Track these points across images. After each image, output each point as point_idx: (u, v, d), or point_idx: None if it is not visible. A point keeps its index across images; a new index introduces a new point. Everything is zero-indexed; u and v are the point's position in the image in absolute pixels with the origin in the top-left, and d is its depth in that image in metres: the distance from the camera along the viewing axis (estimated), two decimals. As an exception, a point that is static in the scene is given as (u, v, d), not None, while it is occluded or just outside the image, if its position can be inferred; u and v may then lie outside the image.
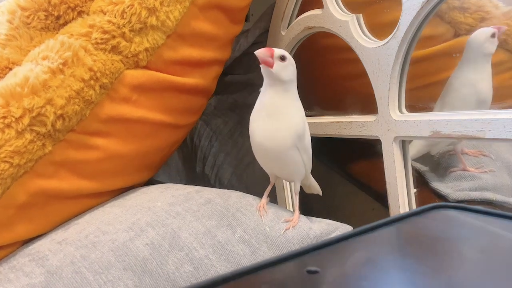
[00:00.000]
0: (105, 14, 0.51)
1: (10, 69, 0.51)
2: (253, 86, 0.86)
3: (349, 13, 0.59)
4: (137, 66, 0.53)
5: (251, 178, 0.85)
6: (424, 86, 0.65)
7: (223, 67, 0.64)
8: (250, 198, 0.55)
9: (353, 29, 0.57)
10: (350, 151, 0.76)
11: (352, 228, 0.54)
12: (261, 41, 0.76)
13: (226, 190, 0.57)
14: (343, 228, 0.54)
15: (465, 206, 0.42)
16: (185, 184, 0.63)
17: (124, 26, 0.51)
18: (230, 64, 0.80)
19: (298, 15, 0.67)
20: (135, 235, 0.48)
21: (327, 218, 0.55)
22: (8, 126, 0.45)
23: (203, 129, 0.89)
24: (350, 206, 0.78)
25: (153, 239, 0.47)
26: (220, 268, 0.47)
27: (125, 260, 0.45)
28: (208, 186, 0.59)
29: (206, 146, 0.89)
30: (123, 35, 0.51)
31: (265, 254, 0.49)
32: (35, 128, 0.46)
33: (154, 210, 0.51)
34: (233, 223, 0.51)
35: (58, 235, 0.49)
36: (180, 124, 0.59)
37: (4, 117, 0.45)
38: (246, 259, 0.49)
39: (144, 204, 0.53)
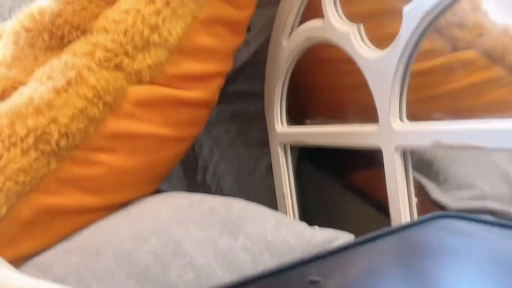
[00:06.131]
0: (108, 32, 0.52)
1: (16, 89, 0.52)
2: (254, 95, 0.86)
3: (350, 23, 0.60)
4: (140, 82, 0.53)
5: (252, 187, 0.85)
6: (423, 99, 0.65)
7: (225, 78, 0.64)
8: (252, 206, 0.56)
9: (353, 40, 0.58)
10: (351, 160, 0.76)
11: (353, 237, 0.54)
12: (263, 51, 0.76)
13: (228, 198, 0.58)
14: (345, 237, 0.54)
15: (467, 215, 0.42)
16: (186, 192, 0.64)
17: (127, 44, 0.52)
18: (231, 74, 0.80)
19: (299, 25, 0.67)
20: (138, 244, 0.48)
21: (328, 227, 0.55)
22: (14, 145, 0.46)
23: (204, 138, 0.89)
24: (351, 215, 0.78)
25: (156, 247, 0.48)
26: (222, 275, 0.48)
27: (128, 268, 0.46)
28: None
29: (207, 155, 0.89)
30: (126, 53, 0.52)
31: (267, 261, 0.50)
32: (39, 146, 0.47)
33: (157, 220, 0.52)
34: (235, 231, 0.51)
35: (64, 245, 0.50)
36: (183, 137, 0.59)
37: (10, 136, 0.46)
38: (247, 266, 0.49)
39: (147, 213, 0.54)
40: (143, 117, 0.54)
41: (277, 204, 0.74)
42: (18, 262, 0.48)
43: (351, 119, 0.72)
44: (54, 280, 0.44)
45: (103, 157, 0.52)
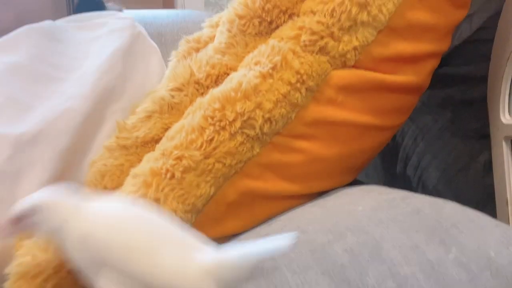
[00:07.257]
0: (315, 14, 0.51)
1: (228, 74, 0.55)
2: (472, 79, 0.75)
3: None
4: (344, 66, 0.51)
5: (463, 186, 0.76)
6: None
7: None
8: (469, 211, 0.48)
9: None
10: None
11: None
12: (489, 26, 0.65)
13: (437, 199, 0.51)
14: None
15: None
16: (383, 184, 0.60)
17: (333, 25, 0.50)
18: (447, 54, 0.71)
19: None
20: (333, 239, 0.46)
21: None
22: (223, 128, 0.49)
23: (408, 127, 0.83)
24: None
25: (352, 246, 0.45)
26: (429, 291, 0.42)
27: (323, 263, 0.44)
28: (409, 189, 0.54)
29: (410, 145, 0.83)
30: (331, 35, 0.50)
31: (488, 283, 0.42)
32: (245, 131, 0.49)
33: (354, 215, 0.49)
34: (446, 240, 0.45)
35: (263, 229, 0.51)
36: (387, 125, 0.55)
37: (220, 120, 0.49)
38: (461, 285, 0.42)
39: (345, 206, 0.51)
40: (346, 103, 0.52)
41: (496, 211, 0.63)
42: (221, 240, 0.52)
43: None
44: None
45: (303, 144, 0.52)
